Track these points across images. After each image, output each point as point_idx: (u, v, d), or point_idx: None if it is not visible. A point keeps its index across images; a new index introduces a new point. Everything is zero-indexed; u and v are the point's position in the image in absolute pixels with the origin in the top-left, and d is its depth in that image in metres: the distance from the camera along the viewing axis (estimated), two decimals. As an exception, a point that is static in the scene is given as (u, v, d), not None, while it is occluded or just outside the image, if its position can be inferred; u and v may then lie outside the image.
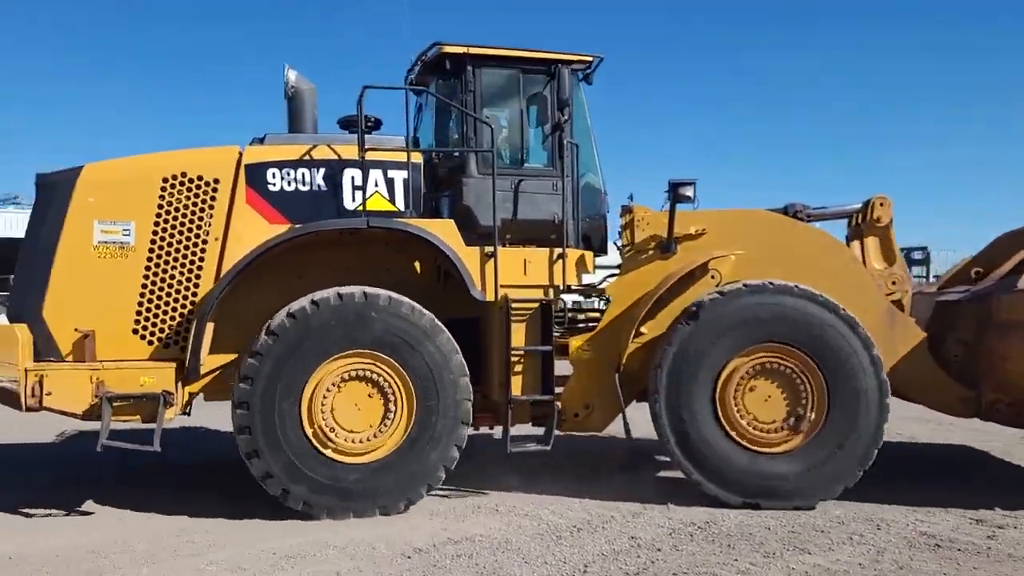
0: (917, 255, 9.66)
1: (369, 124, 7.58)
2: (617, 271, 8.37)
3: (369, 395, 6.79)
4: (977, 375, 7.55)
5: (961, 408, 7.69)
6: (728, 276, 7.58)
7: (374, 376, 6.78)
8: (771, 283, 7.17)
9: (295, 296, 7.05)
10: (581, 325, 8.51)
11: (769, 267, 7.47)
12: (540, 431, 7.66)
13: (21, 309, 6.85)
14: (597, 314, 8.44)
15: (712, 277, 7.62)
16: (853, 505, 6.98)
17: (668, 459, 7.36)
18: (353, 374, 6.75)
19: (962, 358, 7.70)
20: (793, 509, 6.89)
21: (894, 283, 7.90)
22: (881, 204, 8.04)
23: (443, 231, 7.17)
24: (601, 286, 8.45)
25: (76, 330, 6.70)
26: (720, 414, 7.03)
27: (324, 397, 6.69)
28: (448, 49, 7.66)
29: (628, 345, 7.37)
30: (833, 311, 7.04)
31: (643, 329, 7.51)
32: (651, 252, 7.79)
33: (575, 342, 7.75)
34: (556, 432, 7.39)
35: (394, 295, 6.87)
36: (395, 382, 6.80)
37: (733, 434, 7.01)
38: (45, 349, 6.73)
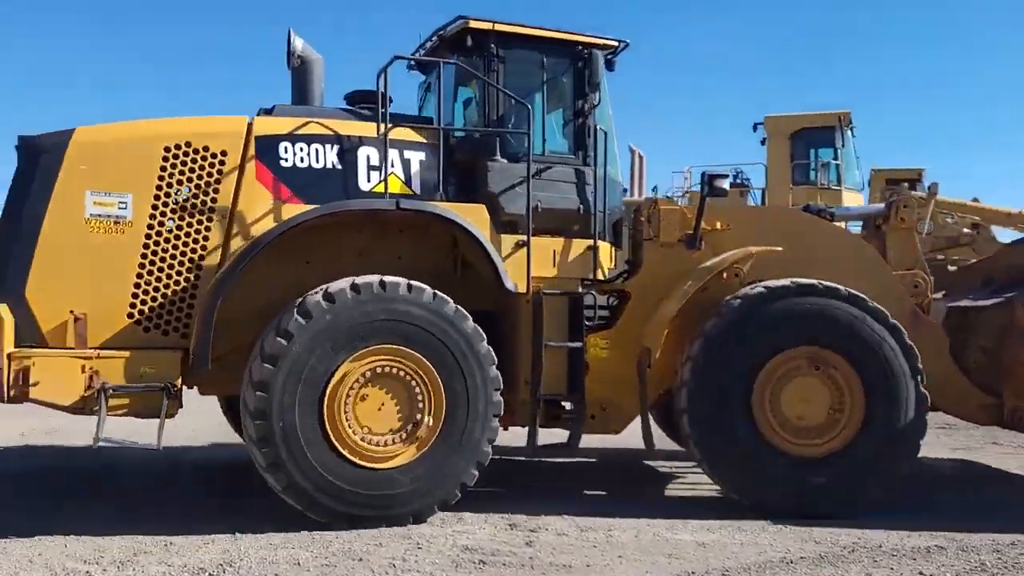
0: None
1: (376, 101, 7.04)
2: (626, 265, 8.07)
3: (395, 395, 6.21)
4: (999, 382, 7.50)
5: (981, 415, 7.63)
6: (751, 275, 7.32)
7: (401, 374, 6.21)
8: (794, 283, 6.91)
9: (302, 282, 6.48)
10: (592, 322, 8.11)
11: (793, 266, 7.23)
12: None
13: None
14: (605, 311, 8.07)
15: (736, 275, 7.34)
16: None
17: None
18: (380, 371, 6.17)
19: (983, 365, 7.65)
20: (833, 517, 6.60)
21: (916, 286, 7.77)
22: (906, 206, 7.92)
23: (475, 218, 6.69)
24: (616, 281, 8.08)
25: (71, 312, 5.98)
26: (754, 416, 6.72)
27: (348, 396, 6.09)
28: (474, 24, 7.18)
29: (657, 343, 7.03)
30: (864, 309, 6.81)
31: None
32: (675, 247, 7.49)
33: (592, 339, 7.39)
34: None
35: (439, 293, 6.35)
36: (424, 383, 6.24)
37: (772, 437, 6.71)
38: (27, 334, 6.00)
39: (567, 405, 7.37)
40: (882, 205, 8.18)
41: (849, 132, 17.70)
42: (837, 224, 7.99)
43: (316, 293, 6.10)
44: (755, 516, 6.54)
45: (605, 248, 7.46)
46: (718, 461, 6.80)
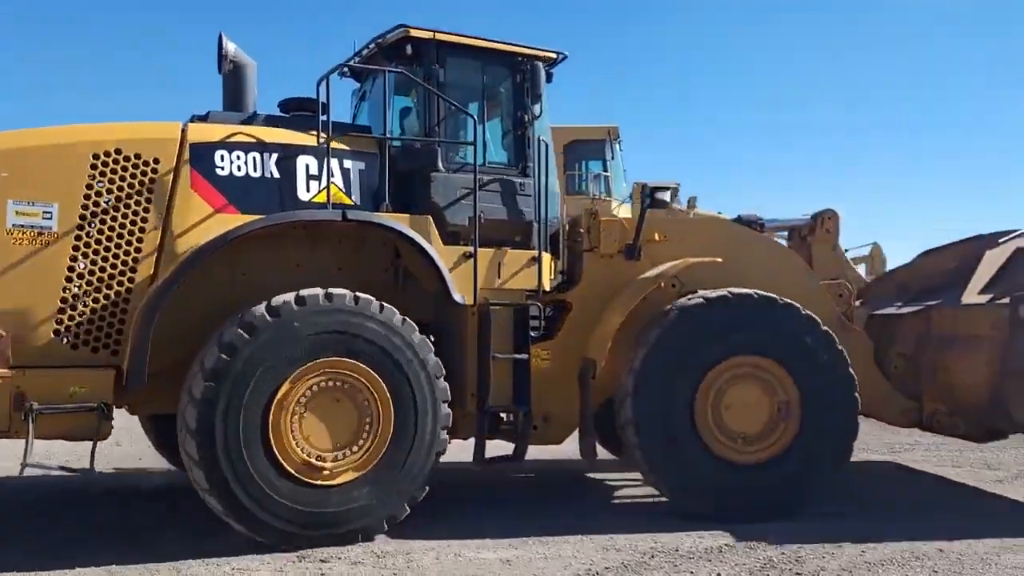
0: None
1: (312, 109, 6.89)
2: (562, 276, 8.10)
3: (344, 409, 6.04)
4: (917, 387, 7.86)
5: (902, 419, 7.97)
6: (688, 284, 7.45)
7: (349, 387, 6.05)
8: (751, 293, 7.05)
9: (236, 295, 6.29)
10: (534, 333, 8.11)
11: (727, 275, 7.39)
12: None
13: None
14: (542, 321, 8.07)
15: (674, 286, 7.47)
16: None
17: None
18: (326, 385, 6.00)
19: (902, 371, 7.99)
20: (775, 520, 6.75)
21: (841, 295, 8.07)
22: (830, 218, 8.23)
23: (422, 230, 6.59)
24: (553, 291, 8.09)
25: (-4, 330, 5.59)
26: (697, 425, 6.83)
27: (295, 412, 5.89)
28: (414, 33, 7.09)
29: (602, 354, 7.07)
30: (804, 322, 7.02)
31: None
32: (615, 258, 7.57)
33: (533, 350, 7.37)
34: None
35: (407, 319, 6.26)
36: (372, 396, 6.10)
37: (712, 443, 6.83)
38: None
39: (505, 416, 7.34)
40: (808, 217, 8.47)
41: (617, 146, 18.35)
42: (767, 235, 8.22)
43: (275, 301, 5.90)
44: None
45: (547, 259, 7.48)
46: (658, 465, 6.86)
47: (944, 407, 7.74)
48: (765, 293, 7.03)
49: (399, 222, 6.52)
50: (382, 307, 6.12)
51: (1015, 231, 7.89)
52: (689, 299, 7.10)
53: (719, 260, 7.33)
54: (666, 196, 7.31)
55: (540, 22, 49.96)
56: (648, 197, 7.34)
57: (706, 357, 6.89)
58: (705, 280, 7.37)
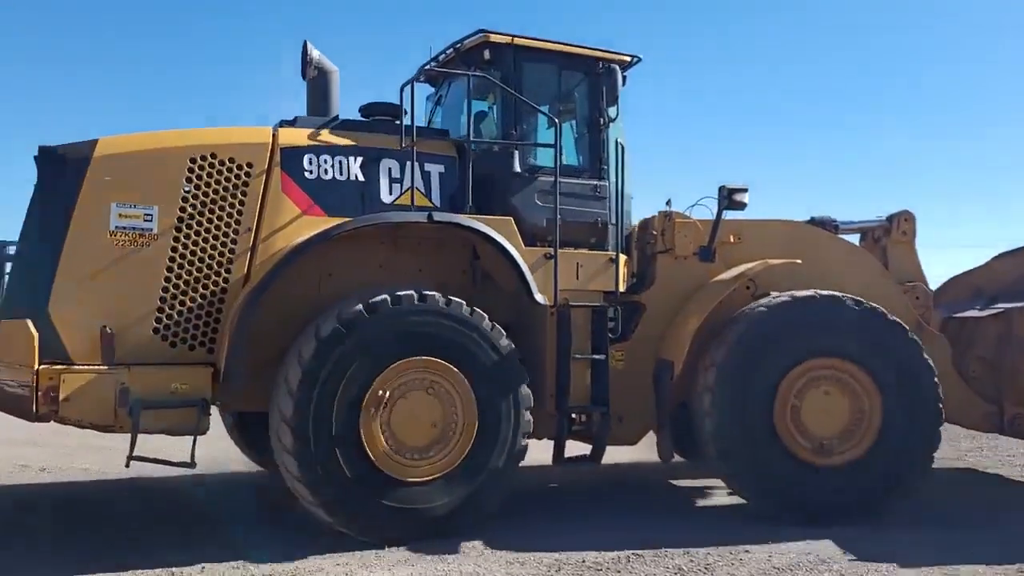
0: None
1: (392, 113, 7.05)
2: (633, 278, 8.15)
3: (432, 408, 6.18)
4: (997, 391, 7.76)
5: (984, 423, 7.88)
6: (763, 286, 7.46)
7: (442, 390, 6.19)
8: (820, 294, 7.03)
9: (322, 295, 6.47)
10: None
11: (802, 277, 7.36)
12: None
13: (19, 304, 5.91)
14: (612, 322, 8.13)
15: (748, 288, 7.48)
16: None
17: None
18: (419, 382, 6.13)
19: (981, 374, 7.90)
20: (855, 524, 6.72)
21: (918, 298, 8.01)
22: (906, 219, 8.17)
23: (504, 231, 6.70)
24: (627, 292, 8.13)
25: (103, 328, 5.82)
26: (776, 427, 6.82)
27: (387, 403, 6.03)
28: (494, 38, 7.22)
29: (680, 356, 7.11)
30: (886, 324, 6.96)
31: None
32: (689, 259, 7.61)
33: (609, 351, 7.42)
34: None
35: (496, 324, 6.45)
36: (459, 399, 6.23)
37: (792, 446, 6.82)
38: (52, 350, 5.81)
39: (577, 416, 7.40)
40: (883, 218, 8.41)
41: None
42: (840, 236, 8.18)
43: (400, 291, 6.13)
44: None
45: (622, 260, 7.54)
46: (736, 467, 6.86)
47: (1026, 411, 7.64)
48: (859, 298, 6.98)
49: (487, 226, 6.63)
50: (493, 326, 6.32)
51: None
52: (776, 297, 7.07)
53: (798, 262, 7.32)
54: (744, 198, 7.31)
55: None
56: (725, 199, 7.36)
57: (787, 357, 6.86)
58: (780, 282, 7.36)
